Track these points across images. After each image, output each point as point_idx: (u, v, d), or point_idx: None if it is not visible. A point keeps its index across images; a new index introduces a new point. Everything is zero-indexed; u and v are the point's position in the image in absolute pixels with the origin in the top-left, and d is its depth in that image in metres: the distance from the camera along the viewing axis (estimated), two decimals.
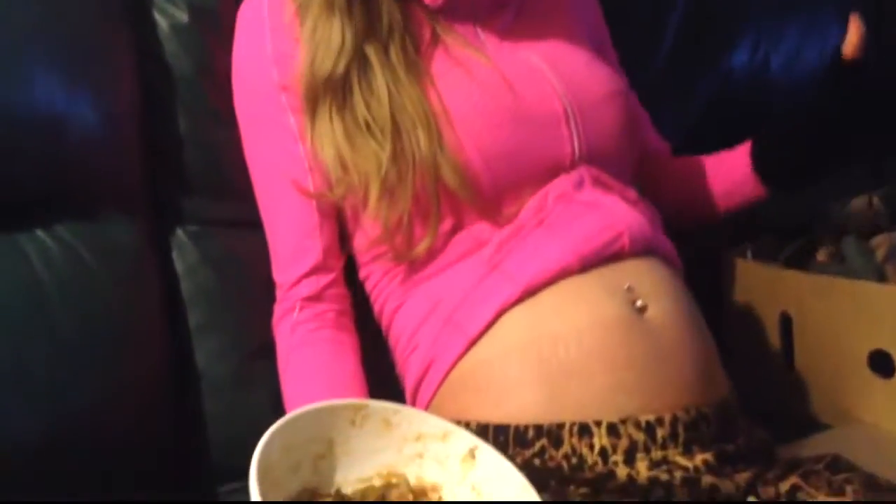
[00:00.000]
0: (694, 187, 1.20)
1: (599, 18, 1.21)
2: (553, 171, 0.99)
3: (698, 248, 1.33)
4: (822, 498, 0.86)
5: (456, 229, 0.98)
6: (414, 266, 1.00)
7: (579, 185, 0.99)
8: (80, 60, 1.04)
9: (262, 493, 0.68)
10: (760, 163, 1.14)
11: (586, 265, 0.95)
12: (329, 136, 0.97)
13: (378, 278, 1.04)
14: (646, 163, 1.20)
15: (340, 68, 0.97)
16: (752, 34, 1.54)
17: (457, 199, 0.96)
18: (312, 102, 0.98)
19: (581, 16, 1.14)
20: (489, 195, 0.97)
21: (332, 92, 0.97)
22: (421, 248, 0.97)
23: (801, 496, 0.87)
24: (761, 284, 1.30)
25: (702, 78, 1.50)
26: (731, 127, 1.48)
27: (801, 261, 1.27)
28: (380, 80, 0.97)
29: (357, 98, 0.97)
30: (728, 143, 1.42)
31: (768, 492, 0.89)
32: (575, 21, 1.12)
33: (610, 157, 1.03)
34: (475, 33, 1.04)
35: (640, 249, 0.98)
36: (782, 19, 1.57)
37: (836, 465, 0.91)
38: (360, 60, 0.98)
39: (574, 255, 0.95)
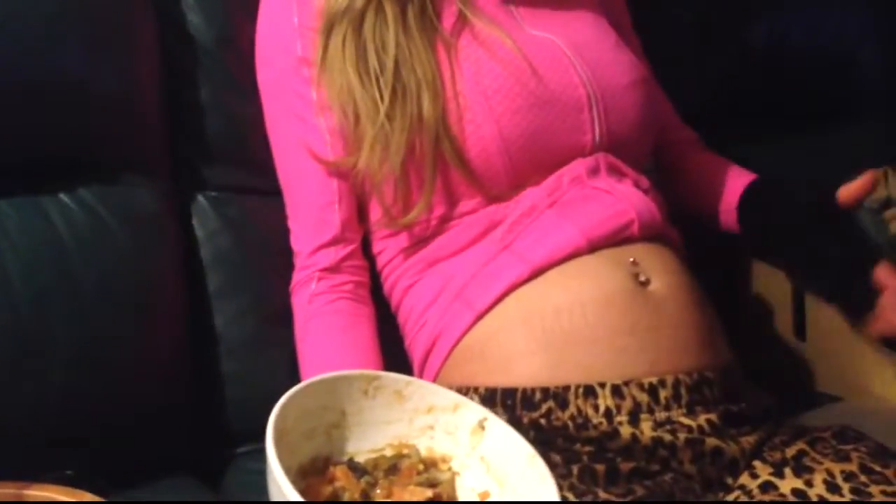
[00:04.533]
0: (704, 188, 1.20)
1: (622, 4, 1.21)
2: (571, 156, 1.00)
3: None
4: (827, 464, 0.88)
5: (462, 211, 0.99)
6: (426, 245, 1.02)
7: (594, 171, 1.00)
8: (101, 28, 1.05)
9: (278, 456, 0.70)
10: (744, 218, 1.14)
11: (595, 248, 0.97)
12: (338, 65, 0.97)
13: (392, 255, 1.05)
14: (666, 150, 1.22)
15: (358, 3, 0.97)
16: (771, 4, 1.52)
17: (454, 172, 0.97)
18: (327, 30, 0.98)
19: (602, 2, 1.13)
20: (503, 175, 0.98)
21: (347, 21, 0.98)
22: (413, 214, 0.98)
23: (806, 461, 0.89)
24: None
25: (719, 50, 1.49)
26: (749, 101, 1.50)
27: None
28: (391, 31, 0.97)
29: (369, 44, 0.97)
30: (745, 117, 1.43)
31: (774, 455, 0.91)
32: (600, 5, 1.12)
33: (629, 144, 1.03)
34: (505, 9, 1.04)
35: (650, 235, 0.99)
36: None
37: (844, 434, 0.94)
38: (377, 7, 0.98)
39: (584, 238, 0.96)
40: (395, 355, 1.04)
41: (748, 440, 0.92)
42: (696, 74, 1.48)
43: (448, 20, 1.01)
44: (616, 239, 0.97)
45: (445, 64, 0.98)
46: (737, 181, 1.16)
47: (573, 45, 1.03)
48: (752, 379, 1.03)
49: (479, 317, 0.97)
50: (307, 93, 1.01)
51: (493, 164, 0.97)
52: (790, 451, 0.91)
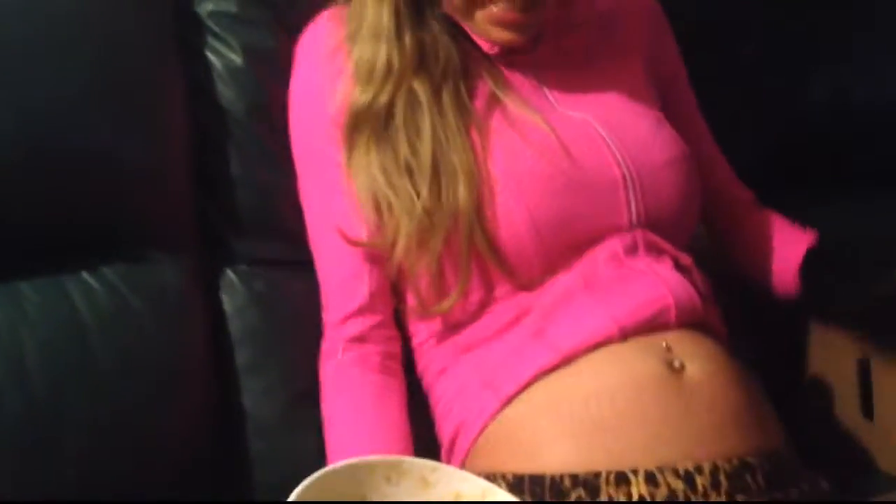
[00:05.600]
0: (762, 248, 1.16)
1: (674, 56, 1.18)
2: (606, 237, 0.97)
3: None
4: None
5: (494, 295, 0.97)
6: (459, 331, 0.99)
7: (632, 249, 0.97)
8: (130, 101, 1.05)
9: None
10: (806, 280, 1.11)
11: (628, 335, 0.93)
12: (365, 168, 0.96)
13: (423, 338, 1.02)
14: (721, 211, 1.18)
15: (384, 98, 0.96)
16: (832, 63, 1.46)
17: (487, 259, 0.94)
18: (352, 131, 0.97)
19: (651, 58, 1.11)
20: (535, 260, 0.95)
21: (372, 122, 0.96)
22: (448, 304, 0.96)
23: None
24: (838, 327, 1.24)
25: (778, 111, 1.43)
26: (813, 161, 1.44)
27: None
28: (426, 119, 0.95)
29: (400, 134, 0.95)
30: (809, 178, 1.38)
31: None
32: (642, 72, 1.09)
33: (668, 223, 1.00)
34: (536, 84, 1.02)
35: (687, 322, 0.95)
36: (865, 45, 1.49)
37: None
38: (408, 95, 0.96)
39: (616, 326, 0.93)
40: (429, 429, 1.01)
41: None
42: (755, 133, 1.42)
43: (480, 100, 0.99)
44: (651, 326, 0.94)
45: (479, 148, 0.95)
46: (798, 241, 1.12)
47: (607, 125, 1.00)
48: (813, 463, 0.98)
49: (506, 403, 0.93)
50: (338, 156, 0.99)
51: (524, 248, 0.94)
52: None
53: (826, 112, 1.46)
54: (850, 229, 1.32)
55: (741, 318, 1.24)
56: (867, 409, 1.21)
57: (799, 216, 1.18)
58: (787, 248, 1.13)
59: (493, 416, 0.94)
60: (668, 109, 1.10)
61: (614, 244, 0.96)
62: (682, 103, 1.17)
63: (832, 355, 1.26)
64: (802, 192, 1.32)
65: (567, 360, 0.92)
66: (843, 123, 1.47)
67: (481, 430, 0.95)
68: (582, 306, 0.95)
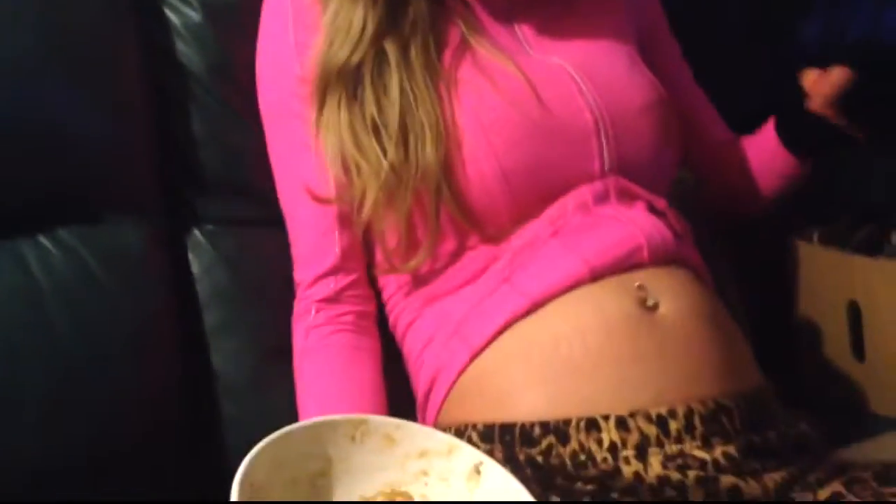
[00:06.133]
0: (741, 170, 1.15)
1: (655, 7, 1.16)
2: (577, 184, 0.95)
3: (764, 236, 1.27)
4: None
5: (464, 246, 0.96)
6: (427, 282, 0.98)
7: (602, 197, 0.95)
8: (81, 61, 1.02)
9: None
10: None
11: (599, 276, 0.91)
12: (335, 127, 0.94)
13: (392, 291, 1.01)
14: (707, 156, 1.18)
15: (356, 58, 0.94)
16: (826, 2, 1.43)
17: (462, 216, 0.93)
18: (322, 91, 0.96)
19: (630, 7, 1.09)
20: (505, 211, 0.94)
21: (343, 82, 0.95)
22: (415, 261, 0.95)
23: None
24: (828, 271, 1.24)
25: (771, 51, 1.40)
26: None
27: (872, 246, 1.21)
28: (394, 78, 0.94)
29: (368, 94, 0.94)
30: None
31: (805, 497, 0.83)
32: (622, 18, 1.07)
33: (643, 169, 0.98)
34: (511, 30, 1.01)
35: (661, 261, 0.94)
36: None
37: (888, 476, 0.85)
38: (377, 55, 0.95)
39: (586, 267, 0.91)
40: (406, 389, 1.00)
41: (773, 477, 0.84)
42: (744, 80, 1.40)
43: (451, 50, 0.97)
44: (623, 266, 0.92)
45: (447, 101, 0.94)
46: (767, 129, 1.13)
47: (582, 70, 0.98)
48: (803, 405, 0.97)
49: (477, 353, 0.92)
50: (306, 113, 0.98)
51: (494, 199, 0.93)
52: (823, 493, 0.83)
53: (818, 56, 1.44)
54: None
55: (728, 264, 1.23)
56: (858, 351, 1.20)
57: None
58: (762, 144, 1.13)
59: (464, 368, 0.93)
60: (650, 57, 1.08)
61: (584, 192, 0.95)
62: (664, 53, 1.15)
63: (821, 298, 1.26)
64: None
65: (537, 305, 0.91)
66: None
67: (454, 382, 0.94)
68: (551, 251, 0.93)
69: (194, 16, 1.09)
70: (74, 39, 1.02)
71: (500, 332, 0.91)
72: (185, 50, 1.10)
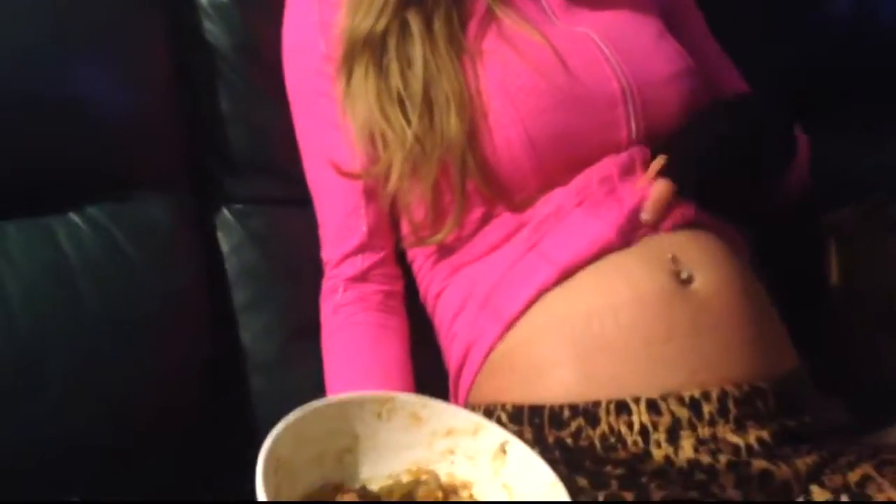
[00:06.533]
0: None
1: None
2: (604, 153, 0.95)
3: (798, 216, 1.25)
4: (891, 492, 0.78)
5: (490, 214, 0.95)
6: (453, 251, 0.98)
7: (629, 169, 0.95)
8: (109, 41, 1.03)
9: (272, 485, 0.68)
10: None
11: (629, 241, 0.91)
12: (362, 97, 0.94)
13: (421, 262, 1.01)
14: None
15: (380, 26, 0.94)
16: None
17: (487, 185, 0.93)
18: (349, 62, 0.96)
19: None
20: (532, 179, 0.93)
21: (370, 51, 0.95)
22: (443, 233, 0.95)
23: (870, 488, 0.80)
24: (864, 251, 1.21)
25: (797, 27, 1.38)
26: (834, 84, 1.38)
27: None
28: (418, 50, 0.94)
29: (393, 65, 0.94)
30: (830, 103, 1.32)
31: (835, 480, 0.82)
32: None
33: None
34: (538, 1, 1.00)
35: (690, 221, 0.93)
36: None
37: None
38: (401, 26, 0.95)
39: (614, 229, 0.90)
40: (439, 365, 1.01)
41: (805, 461, 0.83)
42: (772, 55, 1.38)
43: (475, 20, 0.97)
44: (649, 227, 0.91)
45: (471, 71, 0.94)
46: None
47: (608, 38, 0.97)
48: (837, 387, 0.95)
49: (508, 327, 0.92)
50: (332, 91, 0.98)
51: (520, 166, 0.93)
52: (853, 476, 0.81)
53: (850, 31, 1.41)
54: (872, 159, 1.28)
55: (756, 245, 1.21)
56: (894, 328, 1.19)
57: (815, 148, 1.13)
58: None
59: (496, 342, 0.93)
60: (675, 30, 1.07)
61: (610, 165, 0.94)
62: (689, 24, 1.13)
63: (857, 270, 1.23)
64: (820, 121, 1.28)
65: (567, 273, 0.90)
66: (867, 42, 1.42)
67: (486, 356, 0.93)
68: (576, 219, 0.93)
69: None
70: (102, 18, 1.02)
71: (530, 304, 0.91)
72: (212, 29, 1.10)
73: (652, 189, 0.93)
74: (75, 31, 1.01)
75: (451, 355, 0.98)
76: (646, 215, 0.92)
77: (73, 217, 1.00)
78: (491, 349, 0.93)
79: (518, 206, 0.95)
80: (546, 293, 0.90)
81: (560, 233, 0.92)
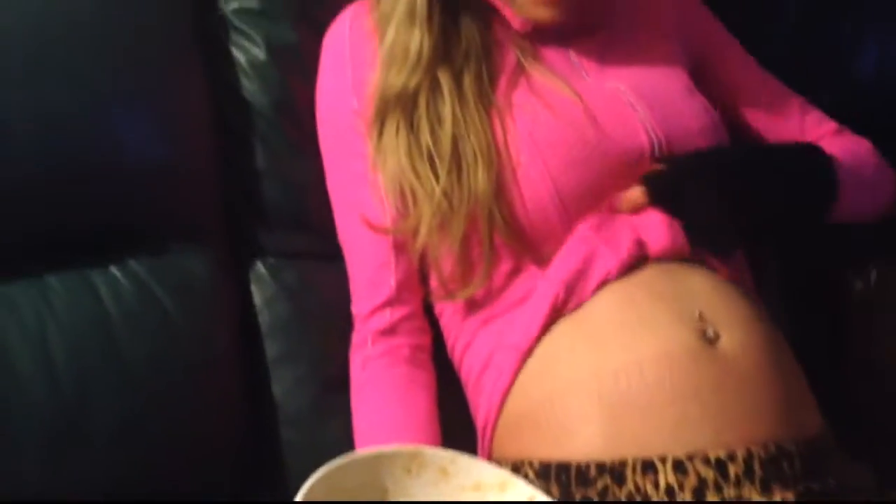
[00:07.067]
0: None
1: (706, 22, 1.15)
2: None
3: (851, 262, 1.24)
4: None
5: (518, 268, 0.96)
6: (482, 304, 0.98)
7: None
8: (153, 98, 1.06)
9: None
10: None
11: (647, 256, 0.93)
12: (393, 153, 0.96)
13: (450, 316, 1.02)
14: None
15: (412, 84, 0.96)
16: (878, 35, 1.42)
17: (515, 239, 0.94)
18: (381, 118, 0.98)
19: (682, 29, 1.10)
20: (560, 232, 0.95)
21: (401, 108, 0.97)
22: (472, 287, 0.96)
23: None
24: (885, 319, 1.20)
25: (821, 85, 1.38)
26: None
27: None
28: (448, 107, 0.96)
29: (423, 121, 0.96)
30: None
31: None
32: (674, 39, 1.08)
33: None
34: (566, 56, 1.02)
35: (716, 271, 0.95)
36: None
37: None
38: (432, 84, 0.97)
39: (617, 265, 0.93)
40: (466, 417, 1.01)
41: None
42: None
43: (505, 76, 0.99)
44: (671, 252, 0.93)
45: (500, 126, 0.95)
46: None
47: (637, 92, 0.99)
48: (862, 449, 0.95)
49: (525, 354, 0.93)
50: (363, 148, 1.00)
51: (549, 220, 0.94)
52: None
53: (873, 87, 1.42)
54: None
55: (780, 297, 1.21)
56: None
57: None
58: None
59: (513, 375, 0.94)
60: (712, 73, 1.10)
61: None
62: (727, 59, 1.14)
63: (881, 333, 1.23)
64: None
65: (571, 290, 0.92)
66: (890, 98, 1.42)
67: (508, 410, 0.94)
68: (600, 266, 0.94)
69: (259, 53, 1.12)
70: (145, 75, 1.05)
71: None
72: (249, 86, 1.13)
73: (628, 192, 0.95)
74: (118, 88, 1.03)
75: (479, 409, 0.99)
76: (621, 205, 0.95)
77: (114, 270, 1.03)
78: (508, 386, 0.94)
79: (545, 260, 0.95)
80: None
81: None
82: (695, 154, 0.98)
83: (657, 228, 0.94)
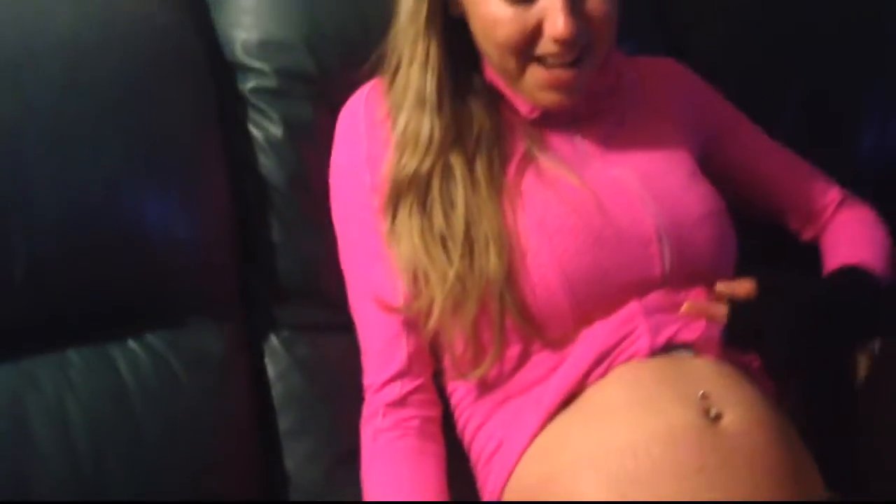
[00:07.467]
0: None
1: (713, 103, 1.19)
2: (638, 290, 0.98)
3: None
4: None
5: (528, 352, 0.98)
6: (494, 386, 1.00)
7: (661, 307, 0.98)
8: (171, 170, 1.08)
9: None
10: None
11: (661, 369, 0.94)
12: (406, 235, 0.98)
13: (462, 395, 1.03)
14: (804, 225, 1.19)
15: (425, 167, 0.99)
16: (880, 111, 1.44)
17: (525, 323, 0.96)
18: (395, 201, 1.00)
19: (689, 111, 1.13)
20: (569, 316, 0.96)
21: (414, 191, 0.99)
22: (482, 369, 0.97)
23: None
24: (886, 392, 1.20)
25: (821, 161, 1.40)
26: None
27: None
28: (460, 191, 0.98)
29: (436, 206, 0.98)
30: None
31: None
32: (682, 122, 1.11)
33: (701, 275, 1.01)
34: (572, 143, 1.04)
35: (714, 349, 0.96)
36: None
37: None
38: (444, 167, 0.99)
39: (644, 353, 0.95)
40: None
41: None
42: None
43: (514, 163, 1.01)
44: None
45: (510, 211, 0.98)
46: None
47: (642, 179, 1.02)
48: None
49: (536, 433, 0.95)
50: (377, 224, 1.02)
51: (558, 304, 0.96)
52: None
53: (873, 164, 1.44)
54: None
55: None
56: None
57: None
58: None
59: (522, 453, 0.95)
60: (722, 149, 1.14)
61: (644, 302, 0.97)
62: (737, 136, 1.18)
63: (887, 403, 1.22)
64: None
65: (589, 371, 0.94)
66: (890, 176, 1.44)
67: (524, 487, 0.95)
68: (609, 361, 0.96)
69: (276, 131, 1.15)
70: (169, 154, 1.07)
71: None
72: (266, 162, 1.15)
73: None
74: (141, 164, 1.06)
75: (486, 485, 1.00)
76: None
77: (132, 344, 1.04)
78: (529, 482, 0.94)
79: (556, 344, 0.97)
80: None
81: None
82: (774, 290, 1.00)
83: (697, 329, 0.97)
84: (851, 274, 1.08)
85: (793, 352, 0.99)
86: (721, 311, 0.97)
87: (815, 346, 1.01)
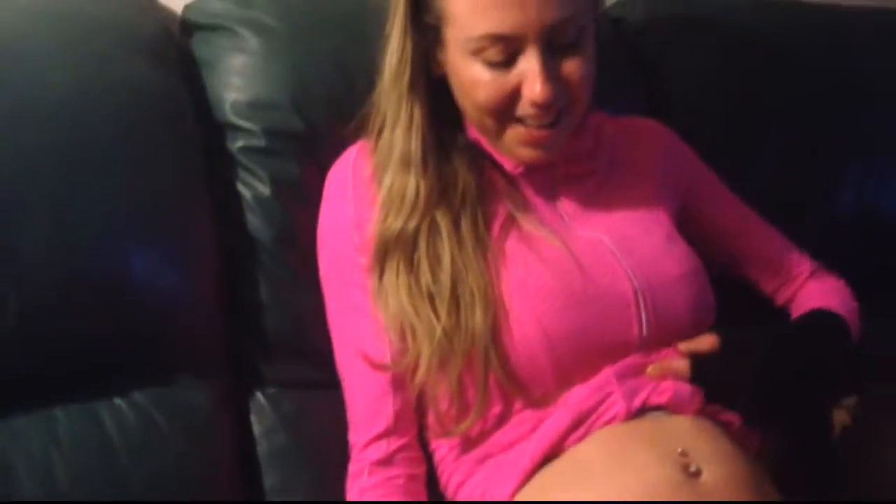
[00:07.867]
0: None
1: (692, 167, 1.21)
2: (618, 350, 0.99)
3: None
4: None
5: (509, 412, 0.99)
6: (477, 443, 1.01)
7: (639, 368, 0.99)
8: (160, 228, 1.09)
9: None
10: None
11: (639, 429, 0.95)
12: (393, 292, 0.99)
13: (444, 453, 1.04)
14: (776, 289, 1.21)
15: (411, 225, 1.00)
16: (859, 171, 1.47)
17: (508, 380, 0.97)
18: (382, 258, 1.01)
19: (669, 172, 1.15)
20: (549, 375, 0.98)
21: (401, 248, 1.00)
22: (466, 424, 0.98)
23: None
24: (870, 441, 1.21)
25: (805, 218, 1.43)
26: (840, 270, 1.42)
27: None
28: (446, 248, 1.00)
29: (423, 261, 1.00)
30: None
31: None
32: (661, 183, 1.13)
33: (678, 334, 1.02)
34: (554, 206, 1.07)
35: (689, 408, 0.98)
36: (892, 154, 1.49)
37: None
38: (430, 225, 1.01)
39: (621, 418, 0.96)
40: None
41: None
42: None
43: (498, 222, 1.03)
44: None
45: (494, 270, 0.99)
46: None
47: (619, 243, 1.04)
48: None
49: (520, 485, 0.95)
50: (364, 282, 1.03)
51: (538, 363, 0.97)
52: None
53: (853, 225, 1.46)
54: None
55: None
56: None
57: None
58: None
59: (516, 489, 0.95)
60: (699, 213, 1.16)
61: (622, 364, 0.99)
62: (713, 203, 1.20)
63: (868, 455, 1.23)
64: None
65: (566, 435, 0.95)
66: (869, 236, 1.47)
67: None
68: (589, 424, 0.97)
69: (264, 189, 1.16)
70: (157, 212, 1.08)
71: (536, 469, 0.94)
72: (253, 220, 1.16)
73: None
74: (129, 223, 1.06)
75: None
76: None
77: (118, 401, 1.04)
78: None
79: (537, 403, 0.99)
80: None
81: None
82: (736, 341, 1.03)
83: (666, 390, 0.98)
84: (818, 314, 1.10)
85: (764, 395, 1.01)
86: (683, 366, 0.99)
87: (788, 382, 1.03)
